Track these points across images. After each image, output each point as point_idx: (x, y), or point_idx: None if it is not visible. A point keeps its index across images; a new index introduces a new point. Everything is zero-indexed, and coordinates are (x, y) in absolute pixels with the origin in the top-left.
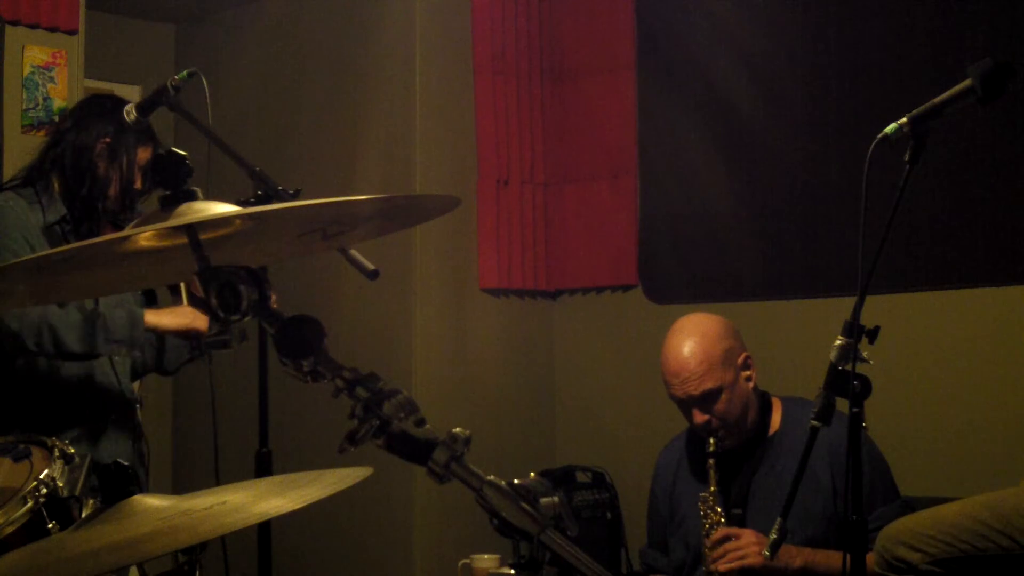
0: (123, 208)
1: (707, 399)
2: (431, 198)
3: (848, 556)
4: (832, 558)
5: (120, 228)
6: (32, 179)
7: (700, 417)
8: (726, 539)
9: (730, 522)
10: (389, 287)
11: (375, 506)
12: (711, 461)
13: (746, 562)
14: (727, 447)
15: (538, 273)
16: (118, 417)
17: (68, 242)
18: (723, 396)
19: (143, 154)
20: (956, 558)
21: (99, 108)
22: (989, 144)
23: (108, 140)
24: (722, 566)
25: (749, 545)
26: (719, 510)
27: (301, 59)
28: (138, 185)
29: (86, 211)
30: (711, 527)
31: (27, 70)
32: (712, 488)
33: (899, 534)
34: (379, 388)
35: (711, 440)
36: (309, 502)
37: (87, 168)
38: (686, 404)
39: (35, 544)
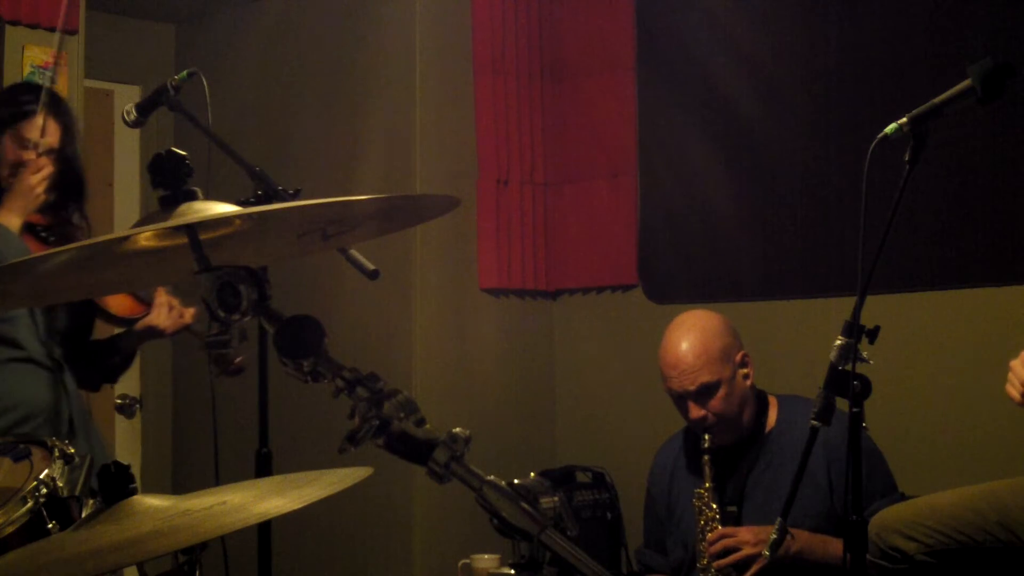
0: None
1: (703, 393)
2: (431, 198)
3: (848, 556)
4: (829, 544)
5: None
6: None
7: (696, 412)
8: (724, 538)
9: (725, 519)
10: (389, 287)
11: (375, 506)
12: (706, 457)
13: (742, 553)
14: (722, 444)
15: (538, 273)
16: (72, 429)
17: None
18: (719, 391)
19: (20, 132)
20: (953, 549)
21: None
22: (989, 144)
23: None
24: (719, 563)
25: (745, 543)
26: (714, 506)
27: (301, 59)
28: (31, 158)
29: None
30: (706, 523)
31: (27, 70)
32: (707, 484)
33: (894, 522)
34: (379, 388)
35: (705, 436)
36: (309, 502)
37: None
38: (682, 398)
39: (35, 544)
